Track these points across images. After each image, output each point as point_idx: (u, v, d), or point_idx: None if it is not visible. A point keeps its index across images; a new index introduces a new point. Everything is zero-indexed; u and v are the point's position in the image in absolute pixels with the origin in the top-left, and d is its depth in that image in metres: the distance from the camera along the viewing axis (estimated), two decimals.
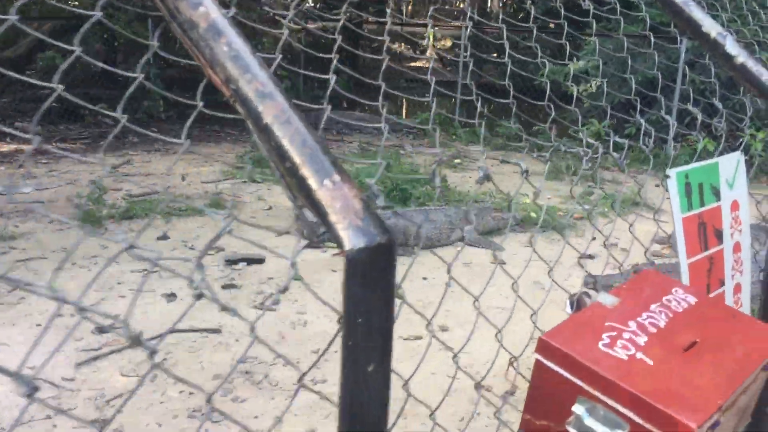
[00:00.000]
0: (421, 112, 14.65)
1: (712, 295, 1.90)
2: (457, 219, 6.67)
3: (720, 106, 2.75)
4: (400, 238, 6.32)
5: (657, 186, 10.49)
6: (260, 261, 5.75)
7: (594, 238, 7.04)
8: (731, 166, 2.00)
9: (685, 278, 1.81)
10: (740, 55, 2.23)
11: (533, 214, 7.60)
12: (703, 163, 1.91)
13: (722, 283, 1.97)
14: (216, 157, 10.28)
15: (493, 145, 12.70)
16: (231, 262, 5.71)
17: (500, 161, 11.31)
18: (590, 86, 12.98)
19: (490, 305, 5.21)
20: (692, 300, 1.48)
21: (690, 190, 1.83)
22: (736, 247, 2.00)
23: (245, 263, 5.74)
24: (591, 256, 6.51)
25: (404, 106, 18.24)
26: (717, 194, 1.94)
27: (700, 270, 1.87)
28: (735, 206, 1.99)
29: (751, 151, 10.82)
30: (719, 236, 1.94)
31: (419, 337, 4.69)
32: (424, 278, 5.73)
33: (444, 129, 13.77)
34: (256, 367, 4.21)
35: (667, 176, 1.82)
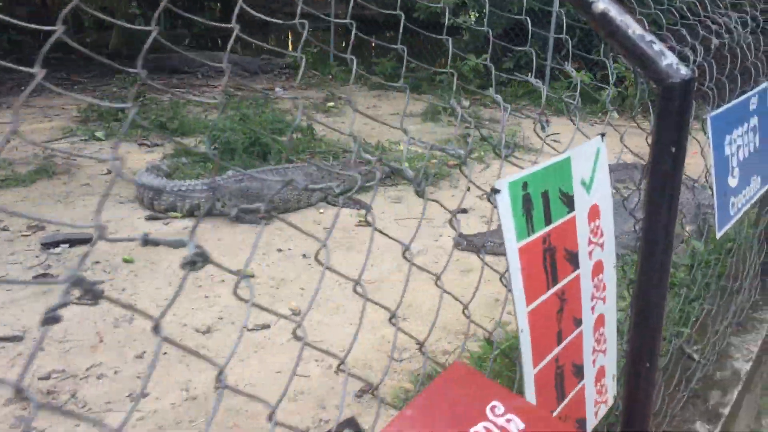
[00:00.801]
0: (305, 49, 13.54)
1: (566, 341, 1.38)
2: (320, 176, 6.02)
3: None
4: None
5: (534, 124, 10.21)
6: (86, 241, 4.93)
7: (469, 189, 6.59)
8: (588, 158, 1.45)
9: (525, 337, 1.26)
10: (600, 0, 1.66)
11: (406, 164, 7.06)
12: (548, 162, 1.35)
13: (578, 323, 1.46)
14: (57, 111, 9.10)
15: (370, 84, 12.03)
16: (49, 244, 4.86)
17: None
18: (469, 17, 12.46)
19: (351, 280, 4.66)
20: (517, 428, 0.94)
21: (530, 204, 1.27)
22: (597, 268, 1.48)
23: (67, 245, 4.90)
24: (464, 210, 6.07)
25: (289, 44, 17.12)
26: (569, 202, 1.39)
27: (548, 313, 1.34)
28: (594, 213, 1.46)
29: (626, 83, 10.71)
30: (573, 260, 1.42)
31: (266, 326, 4.08)
32: (279, 249, 5.09)
33: (318, 69, 12.93)
34: (62, 384, 3.48)
35: (496, 190, 1.24)
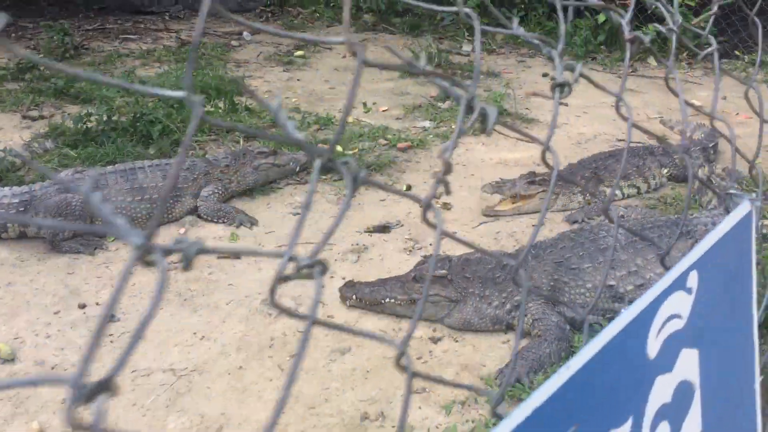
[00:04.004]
0: None
1: None
2: (199, 172, 4.41)
3: None
4: (77, 223, 4.04)
5: (544, 76, 8.18)
6: None
7: (410, 187, 4.87)
8: None
9: None
10: None
11: (339, 148, 5.33)
12: None
13: None
14: None
15: (358, 26, 10.14)
16: None
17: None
18: None
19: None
20: None
21: None
22: None
23: None
24: (386, 228, 4.33)
25: None
26: None
27: None
28: None
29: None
30: None
31: None
32: (83, 305, 3.52)
33: (304, 5, 11.06)
34: None
35: None
